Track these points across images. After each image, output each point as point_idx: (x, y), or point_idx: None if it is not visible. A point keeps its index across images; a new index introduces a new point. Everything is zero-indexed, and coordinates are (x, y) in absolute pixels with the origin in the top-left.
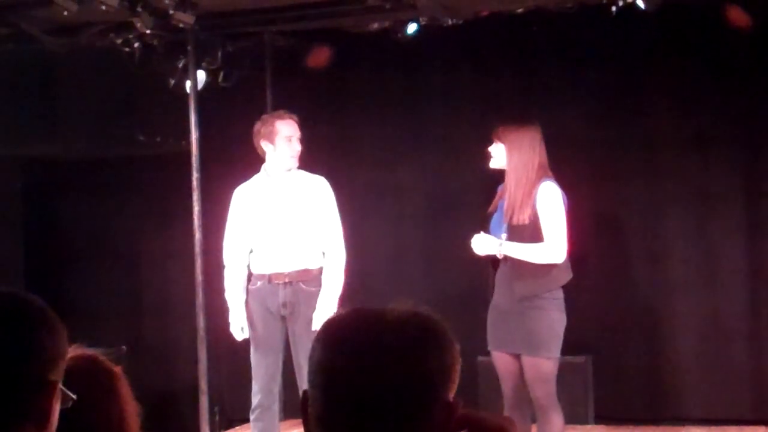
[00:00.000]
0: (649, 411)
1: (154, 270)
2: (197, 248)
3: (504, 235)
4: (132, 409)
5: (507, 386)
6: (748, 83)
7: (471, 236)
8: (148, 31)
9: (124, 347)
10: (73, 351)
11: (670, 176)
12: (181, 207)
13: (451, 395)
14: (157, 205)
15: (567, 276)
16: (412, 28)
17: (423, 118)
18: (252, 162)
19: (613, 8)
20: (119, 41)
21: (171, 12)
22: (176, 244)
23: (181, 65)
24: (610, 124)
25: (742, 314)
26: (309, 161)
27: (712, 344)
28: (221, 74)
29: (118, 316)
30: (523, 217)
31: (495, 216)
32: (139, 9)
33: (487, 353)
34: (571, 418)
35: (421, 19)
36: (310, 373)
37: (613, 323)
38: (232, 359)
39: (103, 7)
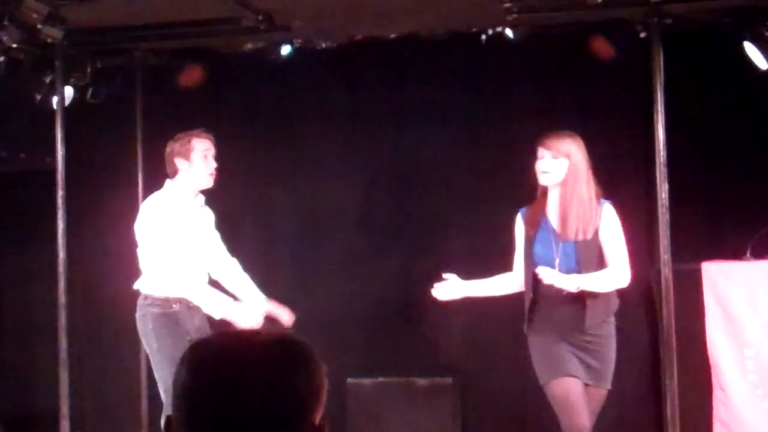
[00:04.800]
0: None
1: (16, 290)
2: (60, 268)
3: (557, 260)
4: None
5: (586, 414)
6: (610, 112)
7: (344, 257)
8: (14, 45)
9: None
10: None
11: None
12: (45, 225)
13: (318, 417)
14: (20, 222)
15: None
16: (286, 49)
17: (296, 139)
18: (118, 180)
19: (483, 37)
20: None
21: (39, 26)
22: (39, 264)
23: (48, 80)
24: (480, 150)
25: None
26: None
27: None
28: (90, 91)
29: None
30: (588, 237)
31: (543, 237)
32: (5, 22)
33: (358, 375)
34: None
35: (295, 41)
36: (175, 397)
37: (480, 345)
38: (96, 383)
39: None
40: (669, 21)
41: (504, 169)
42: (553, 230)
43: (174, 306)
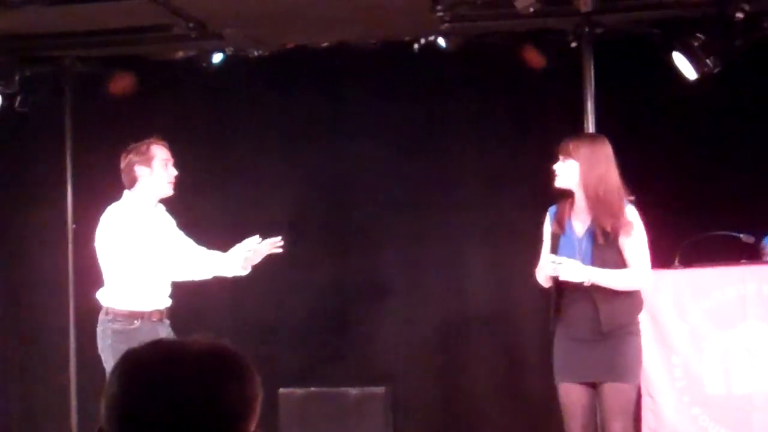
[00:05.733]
0: None
1: None
2: None
3: (579, 258)
4: None
5: (577, 424)
6: (541, 120)
7: (275, 268)
8: None
9: None
10: None
11: (467, 210)
12: None
13: (253, 427)
14: None
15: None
16: (217, 57)
17: (228, 148)
18: (48, 189)
19: (415, 46)
20: None
21: None
22: None
23: None
24: (413, 159)
25: (536, 345)
26: (111, 189)
27: (508, 374)
28: (18, 99)
29: None
30: (609, 239)
31: (566, 238)
32: None
33: (290, 385)
34: None
35: (227, 49)
36: (106, 408)
37: (412, 353)
38: (24, 393)
39: None
40: (599, 31)
41: (437, 177)
42: (575, 233)
43: (135, 322)
